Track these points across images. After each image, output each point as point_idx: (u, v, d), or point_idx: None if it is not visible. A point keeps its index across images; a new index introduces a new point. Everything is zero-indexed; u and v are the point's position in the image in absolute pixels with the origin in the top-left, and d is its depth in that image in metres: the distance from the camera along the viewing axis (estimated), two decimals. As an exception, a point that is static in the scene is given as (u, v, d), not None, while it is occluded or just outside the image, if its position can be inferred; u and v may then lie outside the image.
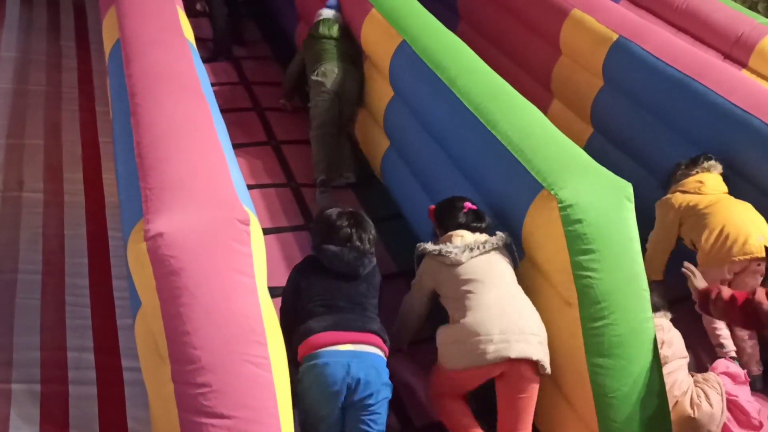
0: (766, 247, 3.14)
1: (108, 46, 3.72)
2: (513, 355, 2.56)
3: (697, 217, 3.30)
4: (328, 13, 4.62)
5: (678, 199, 3.41)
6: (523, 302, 2.70)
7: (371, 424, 2.62)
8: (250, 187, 4.12)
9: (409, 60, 3.84)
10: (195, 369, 2.18)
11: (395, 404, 2.88)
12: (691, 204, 3.36)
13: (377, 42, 4.23)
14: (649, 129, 3.99)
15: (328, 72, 4.28)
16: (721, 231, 3.20)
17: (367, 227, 2.86)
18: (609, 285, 2.60)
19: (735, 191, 3.47)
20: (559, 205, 2.61)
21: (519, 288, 2.75)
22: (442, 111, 3.49)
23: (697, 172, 3.43)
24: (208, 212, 2.30)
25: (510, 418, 2.66)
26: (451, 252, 2.77)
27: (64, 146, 4.37)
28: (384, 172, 4.16)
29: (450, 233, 2.88)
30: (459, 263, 2.75)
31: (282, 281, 3.48)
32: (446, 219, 2.96)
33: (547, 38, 4.75)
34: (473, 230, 2.88)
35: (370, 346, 2.64)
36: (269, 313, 2.37)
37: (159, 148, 2.61)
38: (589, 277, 2.58)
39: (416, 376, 3.10)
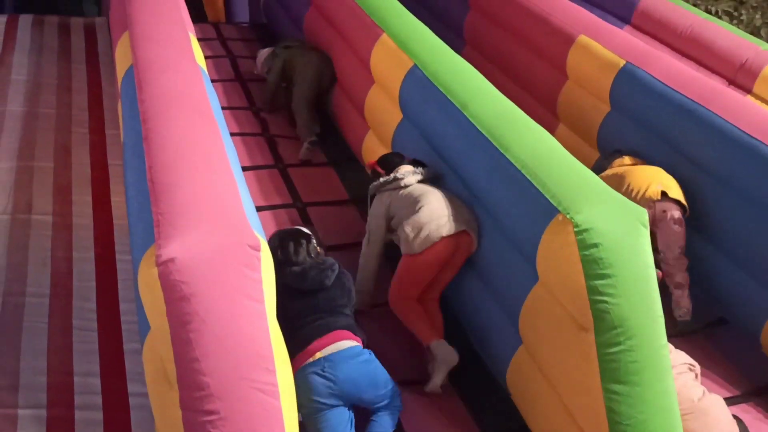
0: (663, 192, 3.65)
1: (121, 71, 3.76)
2: (463, 227, 3.27)
3: (614, 181, 3.73)
4: (263, 50, 5.62)
5: (606, 175, 3.87)
6: (459, 203, 3.39)
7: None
8: (258, 208, 4.18)
9: (419, 84, 3.86)
10: (203, 396, 2.18)
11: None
12: (609, 174, 3.86)
13: (387, 67, 4.27)
14: (656, 155, 3.99)
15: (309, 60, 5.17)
16: (627, 186, 3.71)
17: (307, 239, 3.05)
18: (625, 310, 2.58)
19: (738, 211, 3.58)
20: (575, 229, 2.61)
21: (454, 195, 3.43)
22: (453, 134, 3.51)
23: (620, 156, 3.98)
24: (219, 238, 2.30)
25: (441, 282, 3.35)
26: (401, 177, 3.49)
27: (73, 168, 4.40)
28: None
29: (397, 168, 3.59)
30: (409, 185, 3.47)
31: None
32: (391, 162, 3.67)
33: (553, 63, 4.78)
34: (415, 165, 3.61)
35: (335, 343, 2.78)
36: (278, 339, 2.37)
37: (170, 172, 2.62)
38: (606, 301, 2.57)
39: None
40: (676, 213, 3.67)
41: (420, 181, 3.52)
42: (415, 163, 3.65)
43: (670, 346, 2.90)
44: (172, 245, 2.24)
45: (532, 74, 5.00)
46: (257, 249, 2.32)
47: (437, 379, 3.13)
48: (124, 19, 4.03)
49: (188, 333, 2.19)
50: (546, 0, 4.97)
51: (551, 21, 4.78)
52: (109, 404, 2.94)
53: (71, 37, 6.07)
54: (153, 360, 2.43)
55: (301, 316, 2.85)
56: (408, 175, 3.51)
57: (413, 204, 3.37)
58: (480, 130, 3.30)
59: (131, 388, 3.01)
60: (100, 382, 3.04)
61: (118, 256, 3.74)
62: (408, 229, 3.31)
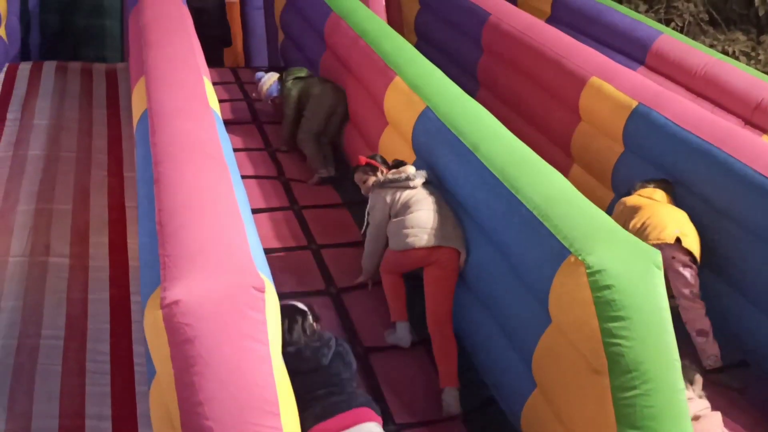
0: (678, 238, 3.60)
1: (136, 115, 3.84)
2: (442, 243, 3.49)
3: (635, 211, 3.76)
4: (266, 75, 5.69)
5: (630, 200, 3.87)
6: (448, 217, 3.60)
7: None
8: (272, 250, 4.21)
9: (432, 126, 3.90)
10: (207, 440, 2.17)
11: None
12: (635, 204, 3.83)
13: (400, 109, 4.31)
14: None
15: (321, 92, 5.24)
16: (645, 221, 3.68)
17: (302, 316, 2.91)
18: (640, 354, 2.54)
19: (754, 252, 3.54)
20: (587, 271, 2.58)
21: (446, 209, 3.65)
22: (465, 176, 3.53)
23: (653, 187, 3.89)
24: (223, 279, 2.31)
25: (436, 301, 3.50)
26: (412, 178, 3.74)
27: (91, 210, 4.45)
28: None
29: (403, 167, 3.84)
30: (415, 187, 3.72)
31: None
32: (397, 161, 3.93)
33: (566, 104, 4.80)
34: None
35: (362, 424, 2.63)
36: (282, 381, 2.36)
37: (179, 215, 2.65)
38: (620, 344, 2.52)
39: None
40: (685, 257, 3.61)
41: (423, 183, 3.78)
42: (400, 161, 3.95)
43: (690, 393, 2.83)
44: (177, 288, 2.25)
45: (546, 115, 5.02)
46: (262, 290, 2.32)
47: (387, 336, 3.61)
48: (141, 65, 4.13)
49: (192, 376, 2.18)
50: (558, 42, 5.02)
51: (563, 63, 4.82)
52: (118, 448, 2.94)
53: (93, 83, 6.21)
54: (159, 403, 2.43)
55: (309, 391, 2.72)
56: (416, 177, 3.78)
57: (407, 207, 3.67)
58: (492, 171, 3.31)
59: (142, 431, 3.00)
60: (111, 426, 3.03)
61: (132, 298, 3.75)
62: (393, 228, 3.66)
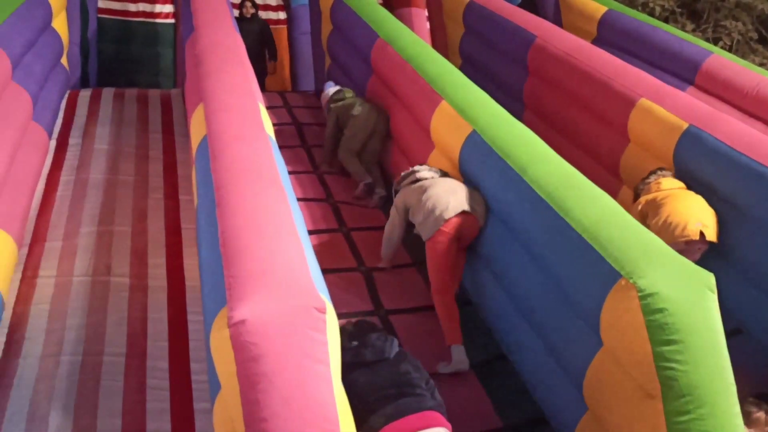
0: (701, 232, 3.72)
1: (196, 140, 3.97)
2: (462, 208, 3.78)
3: (654, 208, 3.86)
4: (332, 88, 5.81)
5: (641, 201, 4.00)
6: (465, 189, 3.92)
7: None
8: (323, 271, 4.26)
9: (479, 149, 3.95)
10: (271, 456, 2.23)
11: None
12: (650, 199, 3.95)
13: (447, 132, 4.37)
14: (724, 218, 3.93)
15: (361, 112, 5.38)
16: (666, 219, 3.77)
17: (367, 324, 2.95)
18: (694, 378, 2.54)
19: None
20: (639, 294, 2.59)
21: (460, 183, 4.00)
22: (513, 199, 3.56)
23: (656, 178, 4.05)
24: (287, 300, 2.38)
25: (446, 268, 3.80)
26: (416, 171, 4.17)
27: (149, 233, 4.58)
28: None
29: (417, 167, 4.24)
30: (422, 179, 4.09)
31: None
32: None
33: (614, 126, 4.80)
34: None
35: (431, 429, 2.63)
36: (342, 402, 2.41)
37: (241, 237, 2.74)
38: (673, 368, 2.52)
39: None
40: (705, 246, 3.77)
41: (433, 177, 4.07)
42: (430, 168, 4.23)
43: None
44: (243, 308, 2.33)
45: (594, 137, 5.02)
46: (323, 311, 2.39)
47: (443, 368, 3.59)
48: (199, 92, 4.27)
49: (257, 393, 2.25)
50: (606, 64, 5.03)
51: (611, 85, 4.83)
52: (178, 463, 3.01)
53: (149, 108, 6.42)
54: (223, 419, 2.50)
55: (380, 388, 2.71)
56: (423, 170, 4.13)
57: (420, 194, 3.96)
58: (539, 194, 3.34)
59: (200, 447, 3.08)
60: (170, 442, 3.11)
61: (189, 317, 3.85)
62: (419, 219, 3.90)
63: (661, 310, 2.56)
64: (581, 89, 5.13)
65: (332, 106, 5.61)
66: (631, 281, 2.63)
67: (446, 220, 3.76)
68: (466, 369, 3.58)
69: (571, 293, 3.04)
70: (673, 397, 2.53)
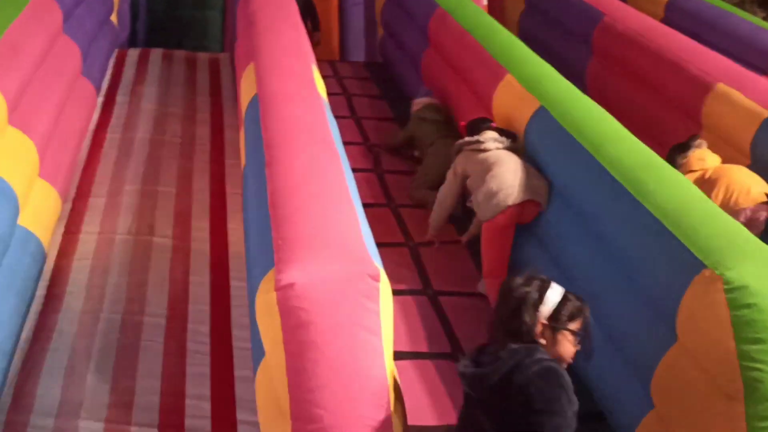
0: (766, 193, 3.58)
1: (245, 100, 3.84)
2: (526, 197, 3.57)
3: (707, 185, 3.64)
4: (426, 99, 5.24)
5: (693, 176, 3.75)
6: (529, 171, 3.68)
7: None
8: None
9: (546, 126, 3.72)
10: (316, 429, 2.10)
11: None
12: (697, 177, 3.75)
13: (511, 108, 4.15)
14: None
15: (439, 148, 4.72)
16: (727, 187, 3.63)
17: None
18: (783, 380, 2.31)
19: None
20: (726, 287, 2.35)
21: (526, 165, 3.73)
22: (583, 180, 3.33)
23: (693, 150, 3.86)
24: (339, 265, 2.24)
25: (501, 249, 3.68)
26: (482, 142, 3.83)
27: (193, 195, 4.50)
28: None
29: (483, 132, 3.92)
30: (488, 150, 3.78)
31: (400, 345, 3.39)
32: (477, 127, 4.01)
33: (686, 113, 4.54)
34: (500, 133, 3.91)
35: None
36: (393, 376, 2.26)
37: (292, 198, 2.60)
38: (759, 369, 2.29)
39: None
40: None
41: (499, 149, 3.81)
42: (502, 132, 3.93)
43: None
44: (292, 270, 2.19)
45: (662, 124, 4.76)
46: (377, 279, 2.24)
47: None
48: (250, 52, 4.14)
49: (305, 362, 2.12)
50: (680, 45, 4.76)
51: (686, 68, 4.56)
52: (217, 430, 2.90)
53: (197, 71, 6.34)
54: (266, 387, 2.37)
55: None
56: (489, 141, 3.84)
57: (485, 171, 3.71)
58: (614, 176, 3.11)
59: (240, 415, 2.96)
60: (210, 407, 3.01)
61: (232, 283, 3.75)
62: (480, 197, 3.68)
63: (749, 306, 2.32)
64: (651, 71, 4.86)
65: (417, 118, 5.06)
66: (717, 272, 2.40)
67: (509, 206, 3.58)
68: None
69: (645, 283, 2.81)
70: (758, 400, 2.31)
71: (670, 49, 4.74)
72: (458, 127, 4.18)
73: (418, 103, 5.24)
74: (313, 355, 2.11)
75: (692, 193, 2.89)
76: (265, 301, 2.23)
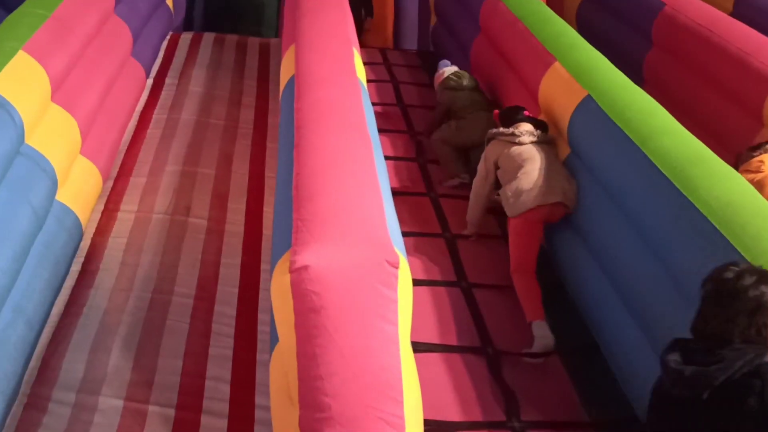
0: None
1: (284, 80, 3.79)
2: (555, 199, 3.53)
3: (759, 188, 3.33)
4: (451, 67, 5.12)
5: (750, 177, 3.47)
6: (560, 172, 3.63)
7: None
8: (404, 233, 4.02)
9: (593, 116, 3.56)
10: (324, 418, 2.01)
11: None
12: (751, 180, 3.42)
13: (557, 97, 3.99)
14: None
15: (469, 120, 4.73)
16: None
17: None
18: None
19: None
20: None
21: (558, 164, 3.70)
22: (629, 174, 3.17)
23: (760, 153, 3.61)
24: (357, 250, 2.16)
25: (527, 248, 3.57)
26: (519, 135, 3.76)
27: (232, 177, 4.48)
28: (549, 237, 3.85)
29: (517, 123, 3.83)
30: (523, 144, 3.73)
31: (429, 337, 3.31)
32: (511, 117, 3.93)
33: (748, 109, 4.28)
34: (535, 126, 3.84)
35: None
36: (409, 368, 2.16)
37: (316, 180, 2.53)
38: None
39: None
40: None
41: (533, 143, 3.74)
42: (537, 123, 3.87)
43: None
44: (308, 252, 2.12)
45: (721, 120, 4.51)
46: (396, 266, 2.15)
47: (527, 353, 3.26)
48: (293, 33, 4.08)
49: (315, 348, 2.04)
50: (746, 39, 4.49)
51: (750, 62, 4.30)
52: (234, 413, 2.86)
53: (246, 55, 6.33)
54: (279, 373, 2.31)
55: None
56: (525, 134, 3.76)
57: (517, 167, 3.66)
58: (661, 170, 2.95)
59: (258, 400, 2.92)
60: (229, 390, 2.97)
61: (262, 266, 3.71)
62: (509, 193, 3.63)
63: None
64: (713, 65, 4.60)
65: (447, 92, 4.91)
66: (767, 276, 2.22)
67: (536, 206, 3.53)
68: (551, 346, 3.25)
69: (691, 284, 2.62)
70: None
71: (735, 42, 4.48)
72: (492, 115, 4.17)
73: (440, 75, 5.10)
74: (324, 341, 2.03)
75: (743, 190, 2.71)
76: (280, 283, 2.17)
